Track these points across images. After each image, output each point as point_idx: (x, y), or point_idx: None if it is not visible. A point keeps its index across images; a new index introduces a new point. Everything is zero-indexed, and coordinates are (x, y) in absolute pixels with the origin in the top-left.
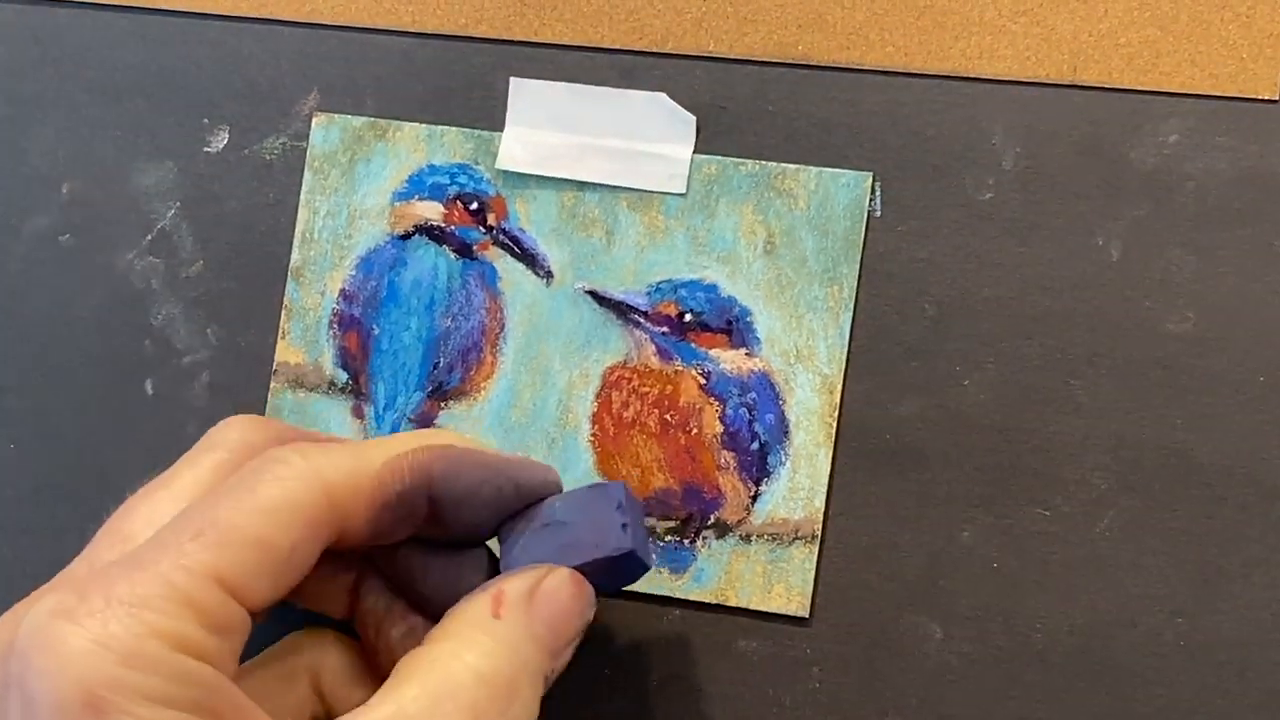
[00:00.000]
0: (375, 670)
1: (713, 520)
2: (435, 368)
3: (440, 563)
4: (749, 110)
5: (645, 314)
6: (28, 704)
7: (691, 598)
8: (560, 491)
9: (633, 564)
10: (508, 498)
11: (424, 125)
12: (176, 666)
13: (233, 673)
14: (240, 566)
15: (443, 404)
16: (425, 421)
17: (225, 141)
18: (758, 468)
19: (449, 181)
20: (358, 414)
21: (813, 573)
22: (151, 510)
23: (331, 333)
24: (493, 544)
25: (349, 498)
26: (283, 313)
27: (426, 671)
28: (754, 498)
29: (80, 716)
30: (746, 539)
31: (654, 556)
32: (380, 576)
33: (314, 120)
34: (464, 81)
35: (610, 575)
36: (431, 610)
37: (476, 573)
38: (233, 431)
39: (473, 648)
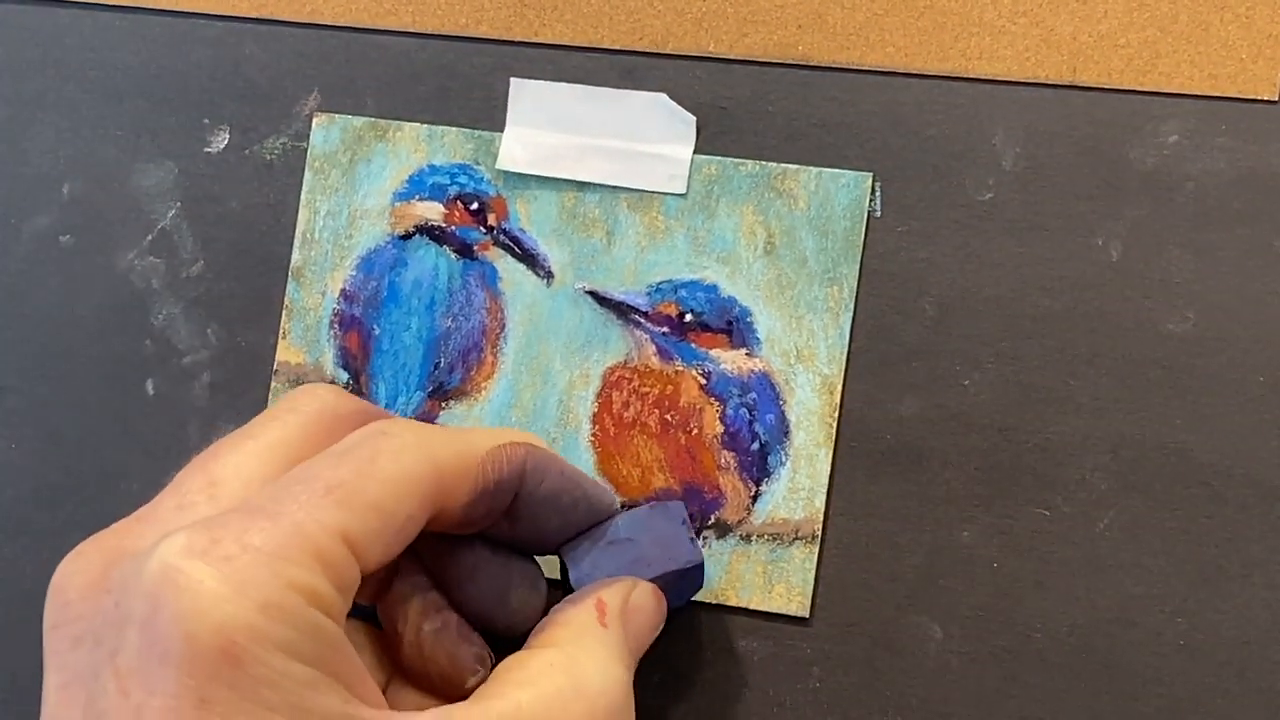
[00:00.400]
0: (391, 658)
1: (713, 520)
2: (436, 368)
3: (493, 566)
4: (749, 110)
5: (645, 314)
6: (152, 645)
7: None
8: (619, 513)
9: (696, 577)
10: (579, 510)
11: (424, 125)
12: (310, 620)
13: (343, 632)
14: (364, 529)
15: (443, 404)
16: (426, 421)
17: (226, 142)
18: (758, 468)
19: (449, 182)
20: None
21: (813, 572)
22: (240, 461)
23: (332, 333)
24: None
25: (455, 479)
26: (283, 313)
27: (544, 674)
28: (754, 498)
29: (215, 663)
30: (747, 539)
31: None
32: (418, 568)
33: (314, 120)
34: (464, 82)
35: (675, 590)
36: (468, 610)
37: (526, 583)
38: (316, 399)
39: (589, 654)
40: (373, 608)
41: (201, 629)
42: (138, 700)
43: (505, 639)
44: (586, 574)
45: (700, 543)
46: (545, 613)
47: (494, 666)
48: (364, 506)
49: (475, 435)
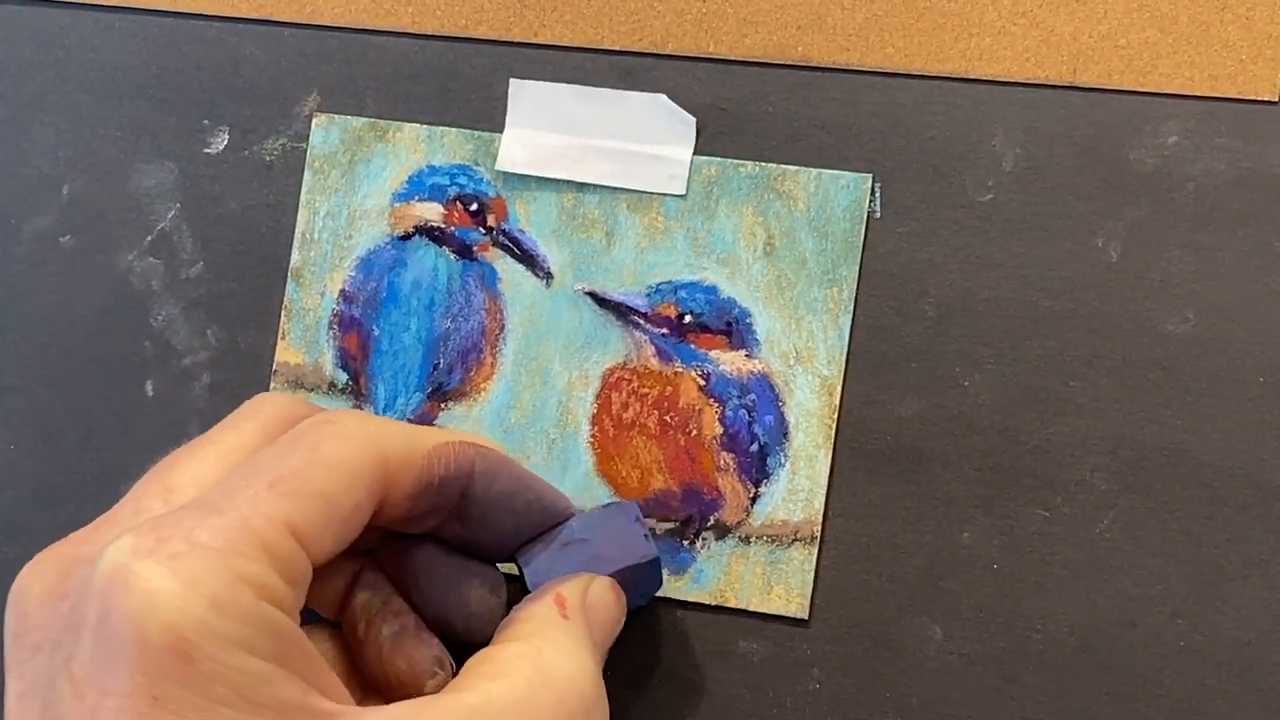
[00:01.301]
0: (354, 666)
1: (712, 521)
2: (435, 369)
3: (451, 569)
4: (749, 111)
5: (645, 315)
6: (104, 646)
7: (691, 599)
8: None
9: (654, 575)
10: (532, 513)
11: (424, 126)
12: (261, 614)
13: (298, 625)
14: (310, 518)
15: (443, 405)
16: (425, 422)
17: (225, 142)
18: (757, 469)
19: (449, 182)
20: None
21: (812, 574)
22: (197, 467)
23: (331, 333)
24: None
25: (400, 469)
26: (283, 313)
27: (512, 666)
28: (753, 499)
29: (166, 661)
30: (746, 540)
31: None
32: (377, 573)
33: (314, 121)
34: (464, 82)
35: (633, 588)
36: (428, 614)
37: (485, 586)
38: (274, 404)
39: (554, 645)
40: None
41: (151, 627)
42: (92, 702)
43: (466, 644)
44: (542, 575)
45: (698, 548)
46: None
47: (454, 670)
48: (310, 495)
49: (421, 430)
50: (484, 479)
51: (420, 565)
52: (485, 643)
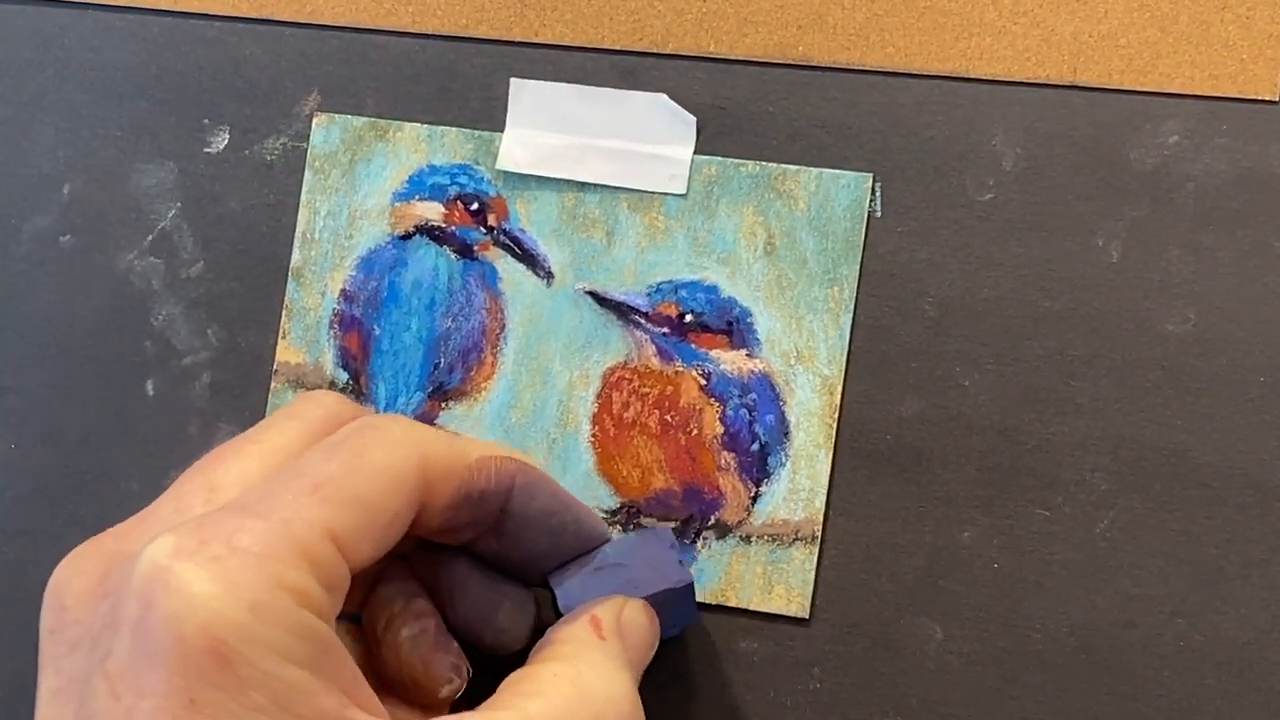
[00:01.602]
0: (369, 661)
1: (713, 521)
2: (436, 368)
3: (482, 583)
4: (749, 111)
5: (646, 315)
6: (142, 647)
7: None
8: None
9: (687, 602)
10: (569, 534)
11: (424, 126)
12: (300, 621)
13: (334, 633)
14: (351, 525)
15: (443, 404)
16: (426, 421)
17: (226, 142)
18: (758, 468)
19: (449, 182)
20: None
21: (813, 573)
22: (241, 466)
23: (332, 333)
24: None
25: (442, 479)
26: (283, 313)
27: (550, 685)
28: (754, 498)
29: (204, 664)
30: (747, 540)
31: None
32: (404, 571)
33: (314, 121)
34: (464, 82)
35: (666, 615)
36: (456, 624)
37: (515, 603)
38: (318, 405)
39: (593, 665)
40: (358, 616)
41: (190, 629)
42: (128, 703)
43: (491, 658)
44: (575, 598)
45: (699, 547)
46: (533, 634)
47: (470, 678)
48: (351, 502)
49: (465, 441)
50: (523, 495)
51: (454, 577)
52: (508, 658)
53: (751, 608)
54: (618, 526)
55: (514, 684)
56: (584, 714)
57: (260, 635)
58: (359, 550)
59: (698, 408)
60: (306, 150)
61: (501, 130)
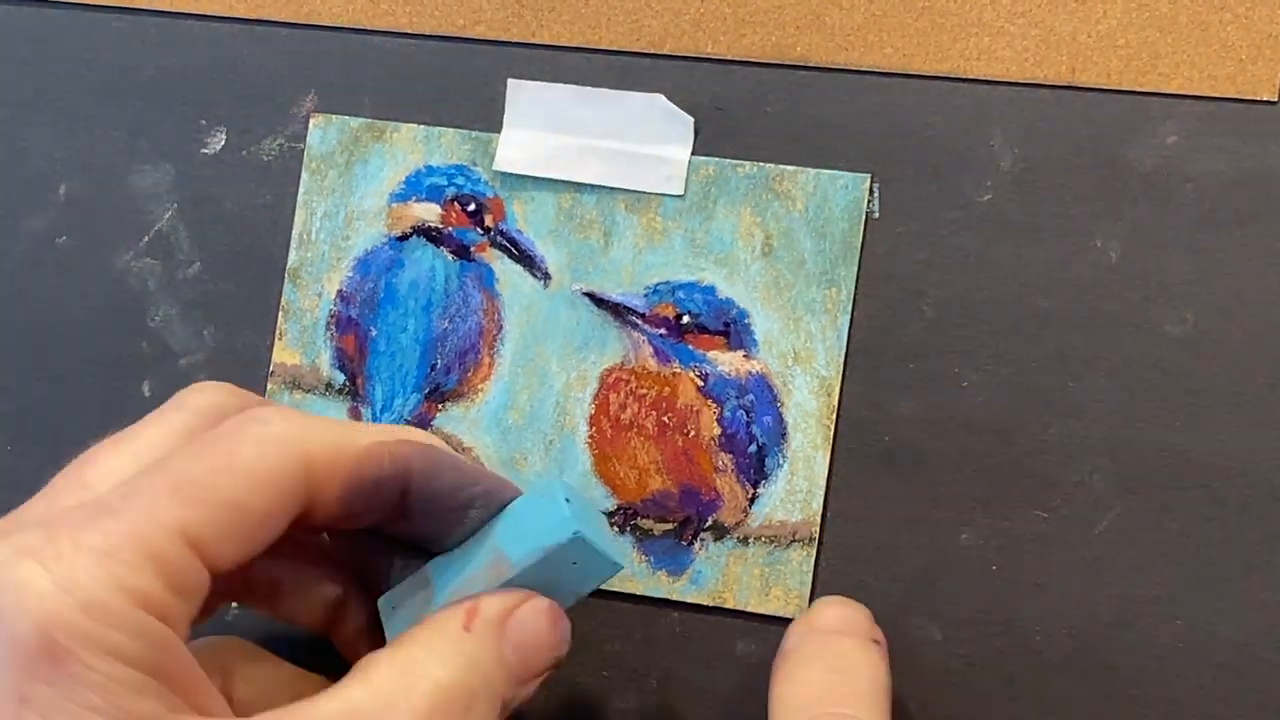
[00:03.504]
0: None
1: (710, 522)
2: (432, 369)
3: (401, 564)
4: (747, 112)
5: (643, 316)
6: None
7: (689, 600)
8: None
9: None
10: (479, 508)
11: (421, 126)
12: (137, 622)
13: (186, 636)
14: (211, 527)
15: (440, 406)
16: (423, 423)
17: (223, 143)
18: (755, 470)
19: (446, 183)
20: (355, 415)
21: (811, 575)
22: (115, 462)
23: (328, 334)
24: None
25: (326, 472)
26: (280, 314)
27: (383, 673)
28: (752, 500)
29: (35, 661)
30: (744, 541)
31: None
32: (364, 595)
33: (311, 121)
34: (462, 83)
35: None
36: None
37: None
38: (204, 396)
39: (434, 656)
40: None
41: (23, 627)
42: None
43: None
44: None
45: (696, 549)
46: None
47: None
48: (215, 503)
49: (354, 430)
50: (424, 477)
51: (367, 560)
52: None
53: (749, 609)
54: (614, 528)
55: (358, 668)
56: (414, 704)
57: (92, 634)
58: (222, 552)
59: (695, 409)
60: (303, 151)
61: (499, 131)
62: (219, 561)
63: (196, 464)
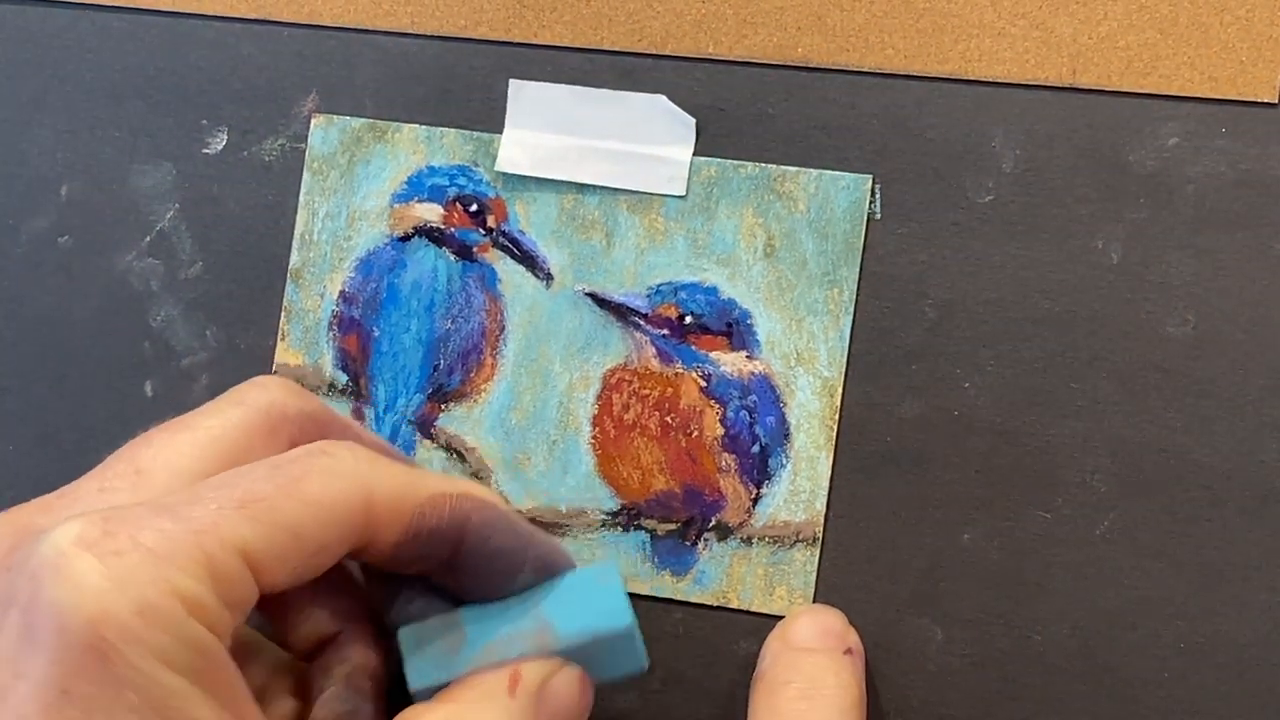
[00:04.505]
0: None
1: (714, 523)
2: (435, 370)
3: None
4: (749, 112)
5: (645, 316)
6: (27, 630)
7: (693, 600)
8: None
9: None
10: (529, 572)
11: (423, 127)
12: (187, 630)
13: (229, 649)
14: (269, 548)
15: (443, 406)
16: (425, 423)
17: (224, 143)
18: (759, 470)
19: (448, 183)
20: (358, 416)
21: (814, 575)
22: (172, 451)
23: (331, 335)
24: None
25: (387, 516)
26: (282, 314)
27: None
28: (755, 500)
29: (82, 657)
30: (748, 541)
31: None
32: (366, 641)
33: (313, 122)
34: (463, 83)
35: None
36: None
37: None
38: (264, 393)
39: (483, 717)
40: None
41: (73, 620)
42: (4, 681)
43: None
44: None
45: (700, 549)
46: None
47: None
48: (277, 525)
49: (420, 476)
50: (479, 535)
51: (409, 603)
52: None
53: (753, 609)
54: (618, 528)
55: (405, 717)
56: None
57: (142, 636)
58: (275, 574)
59: (698, 409)
60: (305, 151)
61: (500, 131)
62: (270, 582)
63: (263, 485)
